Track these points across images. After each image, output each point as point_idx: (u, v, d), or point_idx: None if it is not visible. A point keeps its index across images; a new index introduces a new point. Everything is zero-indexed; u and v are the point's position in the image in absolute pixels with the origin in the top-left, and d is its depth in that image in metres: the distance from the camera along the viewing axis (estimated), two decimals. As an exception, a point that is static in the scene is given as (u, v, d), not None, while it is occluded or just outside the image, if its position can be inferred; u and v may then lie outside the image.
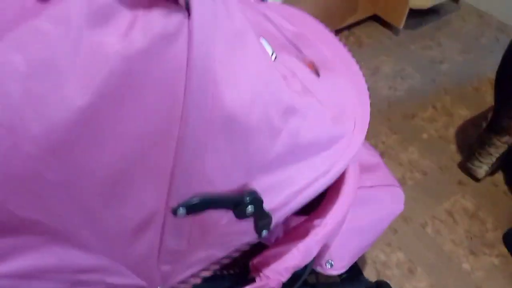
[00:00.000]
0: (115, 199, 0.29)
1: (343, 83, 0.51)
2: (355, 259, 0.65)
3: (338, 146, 0.45)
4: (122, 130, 0.26)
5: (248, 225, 0.40)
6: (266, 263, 0.51)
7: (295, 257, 0.52)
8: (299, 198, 0.43)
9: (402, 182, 1.32)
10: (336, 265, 0.62)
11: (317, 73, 0.48)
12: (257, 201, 0.37)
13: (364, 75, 0.57)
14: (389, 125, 1.49)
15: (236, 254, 0.44)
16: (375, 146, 1.41)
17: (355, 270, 0.91)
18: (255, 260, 0.52)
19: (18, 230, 0.27)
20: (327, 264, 0.61)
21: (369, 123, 0.50)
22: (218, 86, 0.28)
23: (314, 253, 0.53)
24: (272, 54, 0.41)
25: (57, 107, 0.24)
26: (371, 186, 0.66)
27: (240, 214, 0.37)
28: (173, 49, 0.27)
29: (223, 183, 0.34)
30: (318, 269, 0.62)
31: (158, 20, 0.26)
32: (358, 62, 1.72)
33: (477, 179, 1.33)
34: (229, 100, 0.30)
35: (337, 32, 1.83)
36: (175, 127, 0.28)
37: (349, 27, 1.87)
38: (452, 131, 1.50)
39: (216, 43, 0.28)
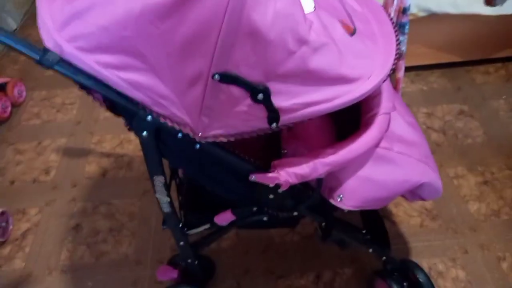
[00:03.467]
0: (182, 59, 0.54)
1: (373, 49, 0.65)
2: (364, 206, 0.76)
3: (345, 86, 0.60)
4: (194, 17, 0.50)
5: (262, 112, 0.59)
6: (282, 165, 0.70)
7: (303, 168, 0.69)
8: (305, 111, 0.60)
9: (496, 214, 1.26)
10: (345, 201, 0.76)
11: (351, 34, 0.64)
12: (266, 92, 0.56)
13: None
14: (505, 161, 1.41)
15: (253, 135, 0.64)
16: (481, 173, 1.37)
17: (383, 240, 0.99)
18: (276, 162, 0.71)
19: (136, 56, 0.54)
20: (338, 197, 0.76)
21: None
22: (248, 9, 0.50)
23: (319, 172, 0.68)
24: (313, 8, 0.60)
25: None
26: (398, 152, 0.77)
27: (254, 97, 0.57)
28: None
29: (247, 72, 0.55)
30: (331, 200, 0.77)
31: None
32: (500, 95, 1.78)
33: None
34: (255, 19, 0.51)
35: (489, 61, 1.78)
36: (218, 26, 0.50)
37: (503, 59, 1.79)
38: None
39: None
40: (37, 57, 0.53)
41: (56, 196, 1.40)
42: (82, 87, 0.58)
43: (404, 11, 1.37)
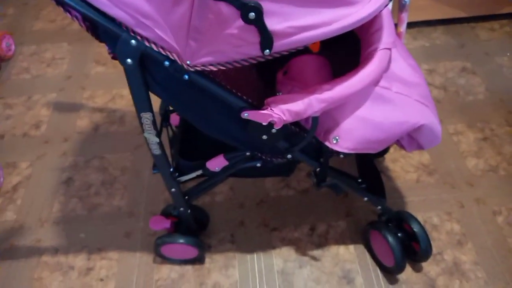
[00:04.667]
0: None
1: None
2: (360, 148, 0.73)
3: (344, 9, 0.56)
4: None
5: (255, 37, 0.55)
6: (275, 102, 0.67)
7: (298, 105, 0.66)
8: (301, 35, 0.56)
9: (494, 169, 1.25)
10: (341, 143, 0.73)
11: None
12: (258, 9, 0.52)
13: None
14: (506, 116, 1.39)
15: (245, 64, 0.60)
16: (480, 130, 1.35)
17: (379, 190, 0.98)
18: (269, 99, 0.67)
19: None
20: (333, 139, 0.73)
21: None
22: None
23: (315, 109, 0.65)
24: None
25: None
26: (397, 92, 0.73)
27: (245, 16, 0.53)
28: None
29: None
30: (326, 143, 0.74)
31: None
32: (504, 52, 1.72)
33: None
34: None
35: (495, 17, 1.72)
36: None
37: (509, 15, 1.73)
38: None
39: None
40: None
41: (47, 150, 1.37)
42: (60, 3, 0.54)
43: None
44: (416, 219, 0.99)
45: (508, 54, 1.60)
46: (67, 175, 1.30)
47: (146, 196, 1.23)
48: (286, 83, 0.80)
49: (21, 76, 1.63)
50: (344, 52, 0.84)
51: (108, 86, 1.56)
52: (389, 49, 0.71)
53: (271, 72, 0.86)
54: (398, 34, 1.25)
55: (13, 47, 1.71)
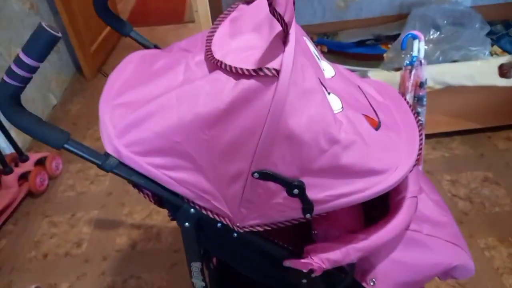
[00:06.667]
0: (226, 160, 0.60)
1: (398, 140, 0.70)
2: (398, 290, 0.77)
3: (374, 178, 0.64)
4: (238, 125, 0.57)
5: (297, 204, 0.63)
6: (315, 251, 0.73)
7: (336, 254, 0.71)
8: (337, 202, 0.64)
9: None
10: (378, 285, 0.76)
11: (376, 128, 0.69)
12: (301, 187, 0.61)
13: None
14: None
15: (288, 224, 0.67)
16: None
17: None
18: (309, 247, 0.73)
19: (184, 158, 0.60)
20: (370, 281, 0.77)
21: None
22: (286, 116, 0.56)
23: (352, 257, 0.70)
24: (341, 107, 0.66)
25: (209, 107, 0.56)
26: (428, 235, 0.78)
27: (290, 192, 0.61)
28: (267, 95, 0.56)
29: (283, 170, 0.60)
30: (363, 284, 0.78)
31: (262, 81, 0.55)
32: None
33: None
34: (292, 125, 0.57)
35: (510, 127, 1.81)
36: (259, 132, 0.57)
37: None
38: None
39: (289, 94, 0.56)
40: (99, 162, 0.60)
41: (87, 270, 1.43)
42: (135, 185, 0.64)
43: (421, 85, 1.45)
44: None
45: (528, 164, 1.65)
46: (105, 297, 1.33)
47: (181, 319, 1.25)
48: (321, 223, 0.86)
49: (66, 194, 1.76)
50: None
51: (146, 202, 1.65)
52: (416, 196, 0.78)
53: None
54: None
55: (61, 166, 1.87)
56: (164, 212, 1.61)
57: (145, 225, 1.58)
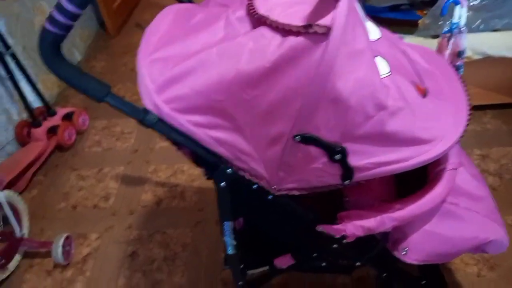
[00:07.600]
0: (267, 121, 0.58)
1: (444, 108, 0.67)
2: (428, 260, 0.76)
3: (419, 147, 0.62)
4: (282, 85, 0.55)
5: (337, 170, 0.62)
6: (349, 217, 0.72)
7: (370, 222, 0.71)
8: (379, 169, 0.62)
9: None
10: (409, 255, 0.76)
11: (424, 95, 0.67)
12: (343, 153, 0.59)
13: None
14: None
15: (325, 190, 0.67)
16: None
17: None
18: (343, 213, 0.73)
19: (224, 117, 0.59)
20: (402, 250, 0.77)
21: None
22: (334, 78, 0.54)
23: (386, 226, 0.70)
24: (388, 72, 0.63)
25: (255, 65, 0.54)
26: (465, 208, 0.77)
27: (331, 157, 0.60)
28: (315, 54, 0.53)
29: (326, 134, 0.58)
30: (395, 253, 0.78)
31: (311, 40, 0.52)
32: None
33: None
34: (339, 87, 0.54)
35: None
36: (304, 93, 0.55)
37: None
38: None
39: (339, 55, 0.53)
40: (139, 117, 0.59)
41: (115, 223, 1.47)
42: (174, 142, 0.64)
43: (459, 54, 1.38)
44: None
45: None
46: (132, 249, 1.38)
47: (204, 275, 1.29)
48: (353, 190, 0.86)
49: (93, 149, 1.79)
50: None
51: (171, 161, 1.68)
52: (456, 169, 0.76)
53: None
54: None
55: (87, 122, 1.90)
56: (189, 171, 1.63)
57: (169, 183, 1.60)
